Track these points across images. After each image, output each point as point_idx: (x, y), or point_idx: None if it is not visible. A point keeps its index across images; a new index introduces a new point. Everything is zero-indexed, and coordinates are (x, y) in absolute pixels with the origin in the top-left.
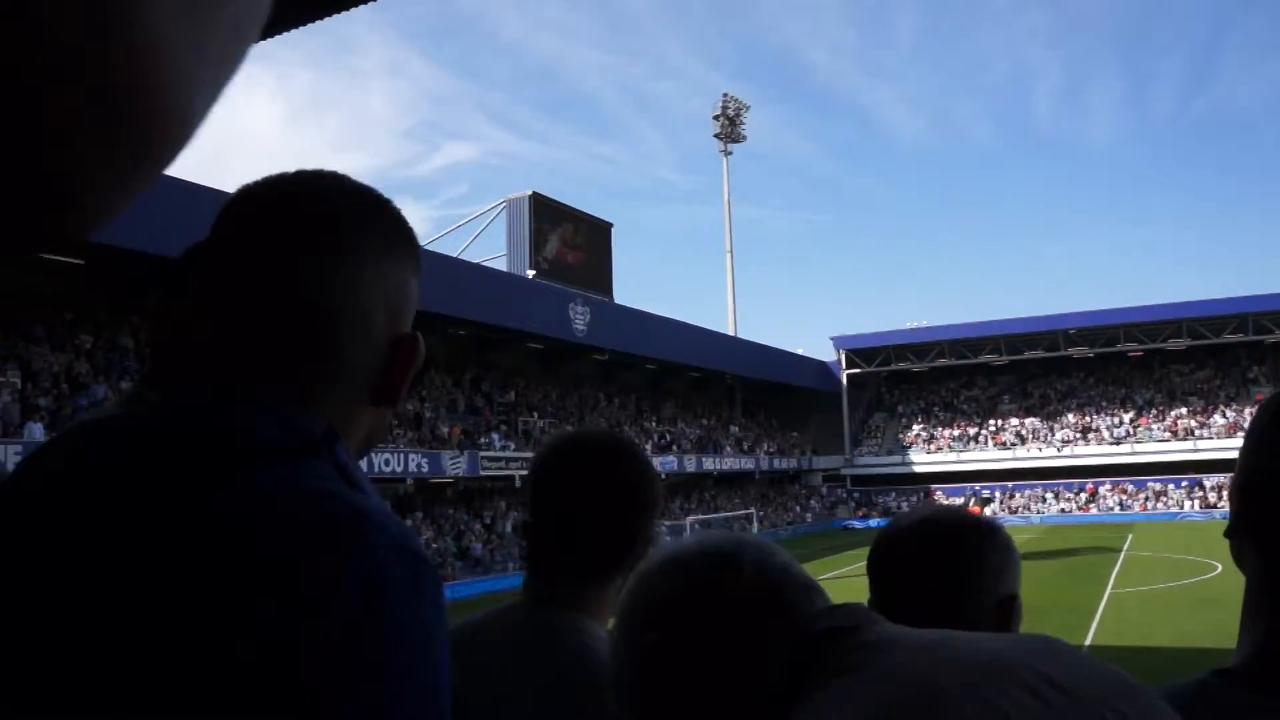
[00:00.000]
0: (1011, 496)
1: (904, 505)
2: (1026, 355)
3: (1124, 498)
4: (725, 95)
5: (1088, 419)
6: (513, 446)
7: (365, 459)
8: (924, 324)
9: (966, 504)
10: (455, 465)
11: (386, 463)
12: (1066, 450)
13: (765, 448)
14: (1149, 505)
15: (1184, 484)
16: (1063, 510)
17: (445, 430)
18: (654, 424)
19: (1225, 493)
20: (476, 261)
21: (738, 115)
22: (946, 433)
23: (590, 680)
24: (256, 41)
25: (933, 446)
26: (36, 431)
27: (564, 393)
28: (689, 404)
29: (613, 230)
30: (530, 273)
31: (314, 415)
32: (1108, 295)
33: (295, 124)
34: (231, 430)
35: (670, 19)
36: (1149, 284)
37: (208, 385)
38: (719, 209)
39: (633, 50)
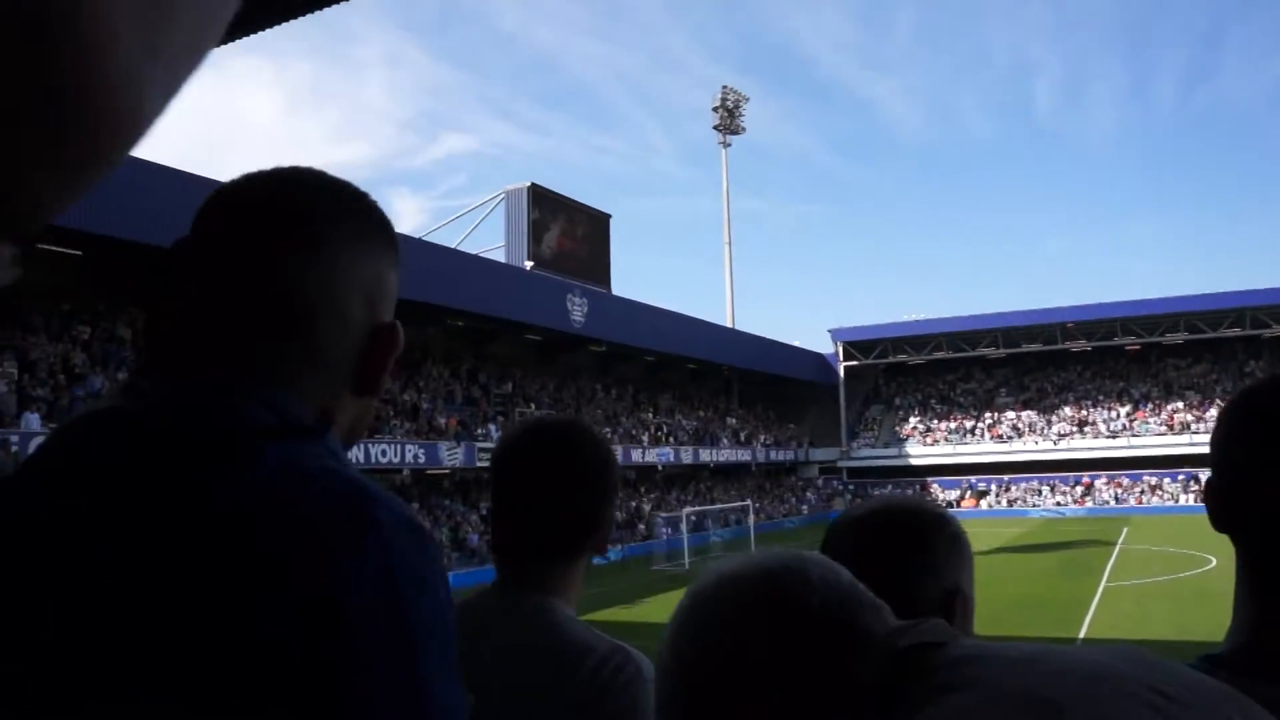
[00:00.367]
0: (1007, 489)
1: None
2: (1024, 348)
3: (1120, 491)
4: (724, 87)
5: (1084, 412)
6: None
7: (360, 450)
8: (921, 317)
9: (962, 496)
10: (452, 456)
11: (383, 453)
12: (1063, 443)
13: (762, 439)
14: (1145, 499)
15: (1180, 478)
16: (1058, 503)
17: (442, 421)
18: (651, 415)
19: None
20: (474, 253)
21: (737, 107)
22: (943, 425)
23: (558, 657)
24: (220, 43)
25: (929, 439)
26: (33, 421)
27: (561, 384)
28: (686, 395)
29: (611, 222)
30: (528, 264)
31: (304, 404)
32: (1105, 289)
33: (294, 115)
34: (227, 420)
35: (670, 10)
36: (1146, 278)
37: (198, 378)
38: (718, 201)
39: (632, 42)
